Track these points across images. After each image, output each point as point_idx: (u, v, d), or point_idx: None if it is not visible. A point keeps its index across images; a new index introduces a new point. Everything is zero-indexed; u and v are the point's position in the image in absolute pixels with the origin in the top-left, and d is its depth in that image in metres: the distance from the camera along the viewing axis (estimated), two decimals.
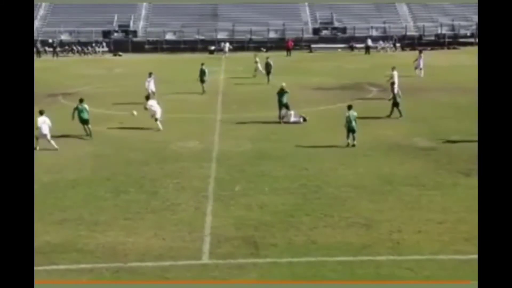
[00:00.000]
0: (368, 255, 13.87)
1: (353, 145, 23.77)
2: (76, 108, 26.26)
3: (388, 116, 29.22)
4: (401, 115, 29.16)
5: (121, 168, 21.30)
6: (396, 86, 31.73)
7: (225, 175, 20.34)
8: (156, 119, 27.48)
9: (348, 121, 23.85)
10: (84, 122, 26.19)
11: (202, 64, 39.15)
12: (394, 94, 30.39)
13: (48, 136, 24.08)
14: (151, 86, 34.80)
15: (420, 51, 47.59)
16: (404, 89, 32.02)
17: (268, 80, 42.13)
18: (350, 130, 23.89)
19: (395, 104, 29.48)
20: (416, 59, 45.39)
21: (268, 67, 43.33)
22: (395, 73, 33.84)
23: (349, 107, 24.40)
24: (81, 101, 26.62)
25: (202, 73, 38.48)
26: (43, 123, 23.97)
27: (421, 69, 44.65)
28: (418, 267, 13.24)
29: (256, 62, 46.62)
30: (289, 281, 12.72)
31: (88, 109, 26.51)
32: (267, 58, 44.96)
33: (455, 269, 13.19)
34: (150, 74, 35.44)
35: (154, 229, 15.60)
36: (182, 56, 64.80)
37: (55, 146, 23.99)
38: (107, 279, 12.98)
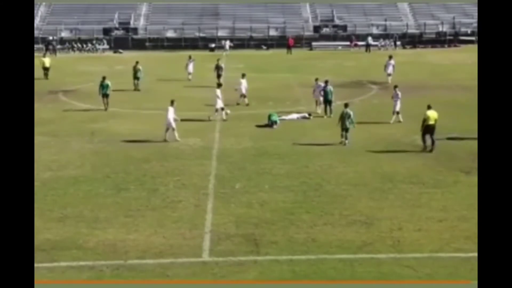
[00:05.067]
0: (369, 253, 13.87)
1: (344, 143, 23.75)
2: (101, 84, 31.42)
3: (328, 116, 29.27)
4: (326, 114, 29.39)
5: (122, 165, 21.29)
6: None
7: (226, 172, 20.34)
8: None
9: (342, 119, 23.83)
10: (105, 95, 31.54)
11: (137, 63, 39.55)
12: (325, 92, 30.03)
13: (173, 125, 24.52)
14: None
15: (390, 56, 42.19)
16: (404, 88, 31.87)
17: (219, 83, 40.18)
18: (344, 128, 23.86)
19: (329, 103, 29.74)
20: (386, 65, 41.16)
21: (218, 70, 40.07)
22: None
23: (345, 106, 24.44)
24: (104, 78, 31.88)
25: (137, 71, 38.96)
26: (171, 113, 24.59)
27: (388, 74, 40.56)
28: (418, 265, 13.24)
29: (188, 63, 43.78)
30: (289, 279, 12.73)
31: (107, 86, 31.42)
32: (218, 60, 41.94)
33: (455, 267, 13.19)
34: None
35: (154, 226, 15.60)
36: (183, 53, 64.67)
37: (177, 137, 24.43)
38: (107, 276, 12.99)
